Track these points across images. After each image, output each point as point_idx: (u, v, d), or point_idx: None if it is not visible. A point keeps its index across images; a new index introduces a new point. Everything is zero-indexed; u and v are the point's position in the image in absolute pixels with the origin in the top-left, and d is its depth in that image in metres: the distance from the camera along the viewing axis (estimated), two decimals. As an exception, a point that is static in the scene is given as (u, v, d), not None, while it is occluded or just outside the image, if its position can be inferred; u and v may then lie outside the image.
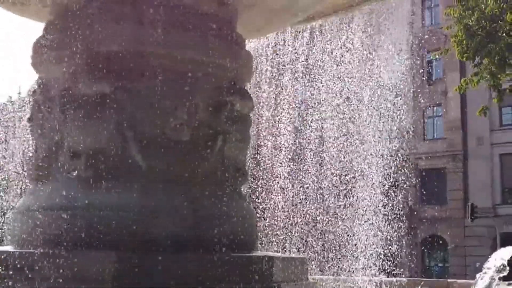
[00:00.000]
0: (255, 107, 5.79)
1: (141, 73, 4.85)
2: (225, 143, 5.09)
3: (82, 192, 4.69)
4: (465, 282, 11.34)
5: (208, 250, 4.61)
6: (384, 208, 10.58)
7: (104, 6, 4.98)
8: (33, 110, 5.21)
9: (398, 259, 14.39)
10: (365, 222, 10.20)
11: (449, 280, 12.84)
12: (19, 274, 4.20)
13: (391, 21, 6.81)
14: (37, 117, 5.16)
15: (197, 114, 4.93)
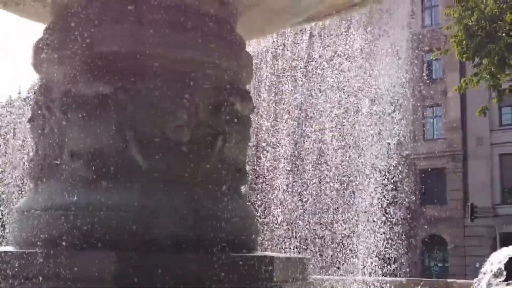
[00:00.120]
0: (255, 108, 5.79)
1: (142, 74, 4.85)
2: (225, 144, 5.09)
3: (83, 192, 4.70)
4: (464, 282, 11.34)
5: (208, 250, 4.60)
6: (384, 208, 10.58)
7: (105, 6, 4.99)
8: (34, 111, 5.22)
9: (398, 259, 14.39)
10: (364, 222, 10.21)
11: (448, 280, 12.84)
12: (19, 274, 4.21)
13: (391, 22, 6.81)
14: (38, 117, 5.17)
15: (197, 115, 4.93)
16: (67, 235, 4.51)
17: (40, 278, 4.14)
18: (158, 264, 4.26)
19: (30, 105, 5.33)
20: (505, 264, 5.14)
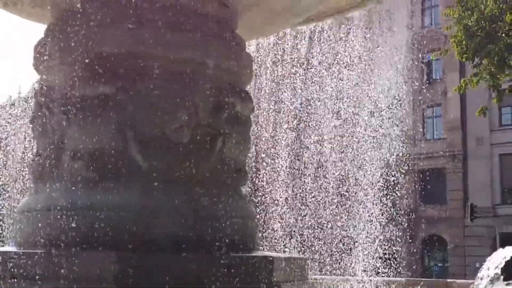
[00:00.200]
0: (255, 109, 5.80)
1: (142, 74, 4.86)
2: (225, 144, 5.09)
3: (83, 192, 4.70)
4: (464, 282, 11.36)
5: (208, 250, 4.61)
6: (384, 208, 10.60)
7: (105, 7, 4.99)
8: (35, 111, 5.23)
9: (398, 259, 14.40)
10: (365, 222, 10.22)
11: (448, 280, 12.87)
12: (20, 274, 4.21)
13: (390, 23, 6.82)
14: (39, 117, 5.18)
15: (197, 115, 4.93)
16: (67, 235, 4.52)
17: (40, 278, 4.15)
18: (158, 264, 4.27)
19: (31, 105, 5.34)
20: (505, 262, 5.15)
